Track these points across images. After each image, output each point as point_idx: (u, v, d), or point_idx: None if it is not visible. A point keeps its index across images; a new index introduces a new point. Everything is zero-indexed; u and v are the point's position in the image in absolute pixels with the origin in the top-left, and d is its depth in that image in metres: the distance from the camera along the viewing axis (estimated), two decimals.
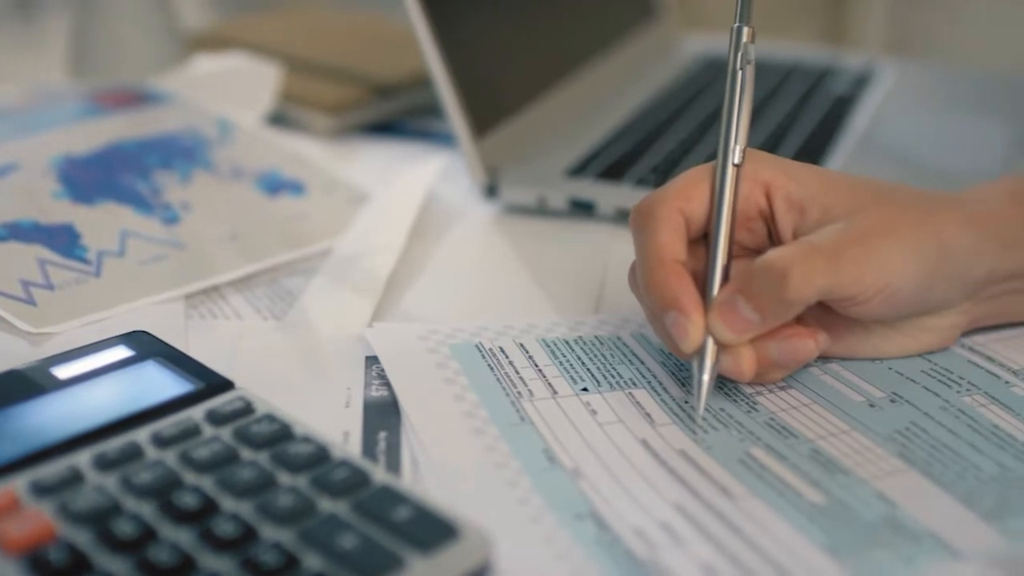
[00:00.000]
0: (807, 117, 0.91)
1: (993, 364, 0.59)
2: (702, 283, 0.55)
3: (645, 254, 0.55)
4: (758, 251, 0.57)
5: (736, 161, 0.55)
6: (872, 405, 0.55)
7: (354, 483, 0.46)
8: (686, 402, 0.55)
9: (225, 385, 0.53)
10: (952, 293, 0.57)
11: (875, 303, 0.54)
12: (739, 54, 0.56)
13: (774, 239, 0.57)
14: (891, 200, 0.56)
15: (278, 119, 0.93)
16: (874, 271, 0.53)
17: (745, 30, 0.56)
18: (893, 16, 2.10)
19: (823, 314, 0.57)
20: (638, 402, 0.55)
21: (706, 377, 0.54)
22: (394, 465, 0.51)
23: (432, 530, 0.43)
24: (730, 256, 0.55)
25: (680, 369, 0.58)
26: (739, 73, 0.56)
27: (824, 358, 0.59)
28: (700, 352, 0.54)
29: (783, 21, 2.00)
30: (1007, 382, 0.57)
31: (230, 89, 0.89)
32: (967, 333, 0.61)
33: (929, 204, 0.57)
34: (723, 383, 0.56)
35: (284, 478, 0.47)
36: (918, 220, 0.56)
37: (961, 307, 0.58)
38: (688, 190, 0.56)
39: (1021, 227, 0.58)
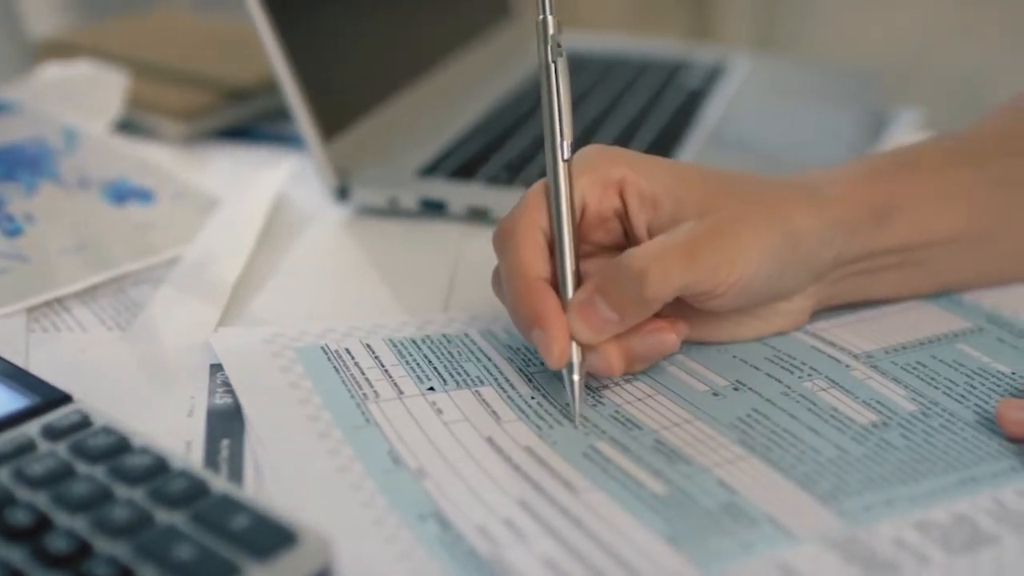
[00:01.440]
0: (659, 111, 0.92)
1: (834, 349, 0.60)
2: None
3: (507, 275, 0.55)
4: (615, 248, 0.58)
5: (566, 157, 0.55)
6: (716, 394, 0.56)
7: (192, 493, 0.45)
8: (532, 398, 0.56)
9: (63, 399, 0.52)
10: (801, 278, 0.58)
11: (729, 296, 0.55)
12: (548, 47, 0.55)
13: (629, 236, 0.57)
14: (741, 192, 0.57)
15: (129, 126, 0.92)
16: (728, 266, 0.54)
17: (551, 20, 0.55)
18: (757, 12, 2.12)
19: (676, 303, 0.57)
20: (485, 400, 0.55)
21: (576, 377, 0.54)
22: (236, 472, 0.50)
23: (270, 537, 0.43)
24: (578, 255, 0.55)
25: (527, 365, 0.58)
26: (552, 67, 0.55)
27: None
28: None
29: (650, 19, 2.02)
30: (847, 366, 0.58)
31: (77, 97, 0.88)
32: (811, 318, 0.62)
33: (778, 193, 0.58)
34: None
35: (121, 491, 0.46)
36: (768, 211, 0.56)
37: (809, 290, 0.60)
38: (540, 203, 0.56)
39: (867, 213, 0.59)
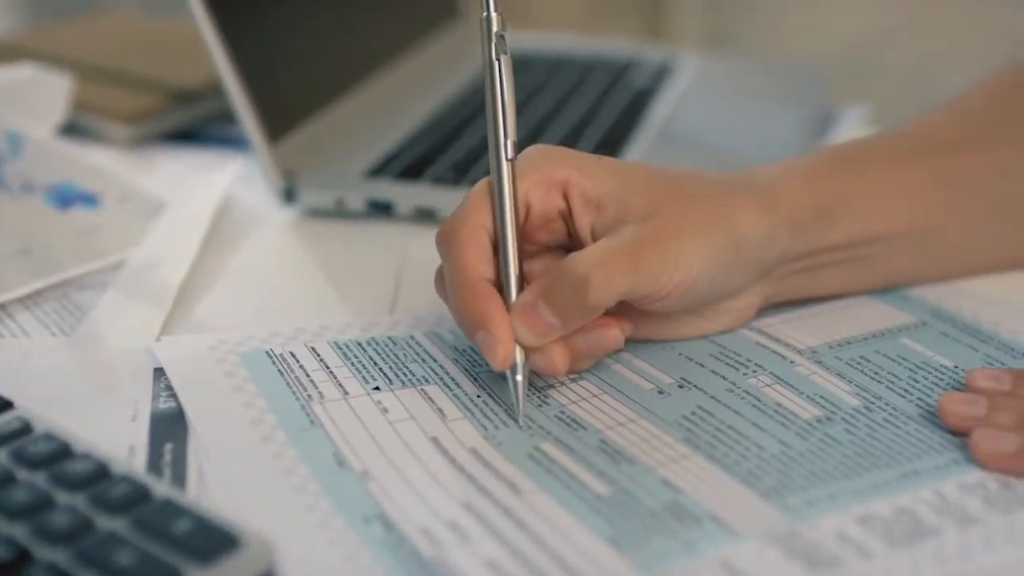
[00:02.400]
0: (607, 110, 0.92)
1: (779, 344, 0.60)
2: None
3: (451, 277, 0.55)
4: (560, 248, 0.58)
5: (509, 156, 0.55)
6: (661, 392, 0.56)
7: (133, 498, 0.45)
8: (478, 397, 0.56)
9: (4, 405, 0.51)
10: (747, 278, 0.58)
11: (672, 298, 0.55)
12: (493, 44, 0.55)
13: (573, 237, 0.57)
14: (687, 193, 0.57)
15: (75, 130, 0.91)
16: (671, 269, 0.54)
17: (495, 18, 0.55)
18: (709, 11, 2.13)
19: (620, 302, 0.58)
20: (430, 398, 0.55)
21: (519, 378, 0.54)
22: (180, 477, 0.50)
23: (211, 541, 0.43)
24: (521, 256, 0.55)
25: (473, 366, 0.58)
26: (496, 64, 0.55)
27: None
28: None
29: (603, 19, 2.02)
30: (792, 361, 0.58)
31: (21, 101, 0.87)
32: (757, 315, 0.62)
33: (724, 193, 0.58)
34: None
35: (62, 497, 0.45)
36: (714, 213, 0.56)
37: (754, 288, 0.60)
38: (483, 203, 0.55)
39: (811, 211, 0.59)
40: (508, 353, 0.53)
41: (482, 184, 0.56)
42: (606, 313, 0.55)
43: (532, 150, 0.57)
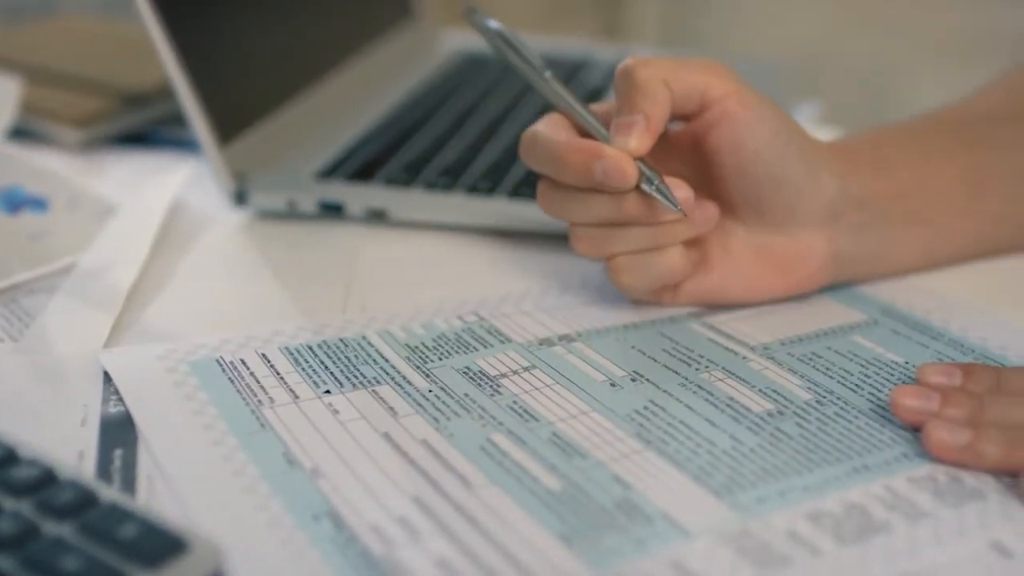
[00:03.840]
0: None
1: (732, 341, 0.60)
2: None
3: (544, 142, 0.60)
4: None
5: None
6: (613, 384, 0.56)
7: (80, 503, 0.45)
8: (430, 391, 0.55)
9: None
10: (806, 180, 0.61)
11: (730, 104, 0.60)
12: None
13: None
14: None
15: (24, 134, 0.90)
16: (716, 79, 0.60)
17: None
18: (668, 10, 2.13)
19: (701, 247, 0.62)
20: (382, 398, 0.55)
21: (656, 182, 0.58)
22: (129, 482, 0.50)
23: (158, 544, 0.42)
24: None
25: (424, 362, 0.58)
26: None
27: (569, 338, 0.60)
28: (640, 174, 0.58)
29: (563, 17, 2.02)
30: (744, 357, 0.58)
31: None
32: (711, 311, 0.63)
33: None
34: (469, 368, 0.57)
35: (7, 503, 0.45)
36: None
37: (820, 231, 0.62)
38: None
39: (865, 159, 0.64)
40: (630, 164, 0.58)
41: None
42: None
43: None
